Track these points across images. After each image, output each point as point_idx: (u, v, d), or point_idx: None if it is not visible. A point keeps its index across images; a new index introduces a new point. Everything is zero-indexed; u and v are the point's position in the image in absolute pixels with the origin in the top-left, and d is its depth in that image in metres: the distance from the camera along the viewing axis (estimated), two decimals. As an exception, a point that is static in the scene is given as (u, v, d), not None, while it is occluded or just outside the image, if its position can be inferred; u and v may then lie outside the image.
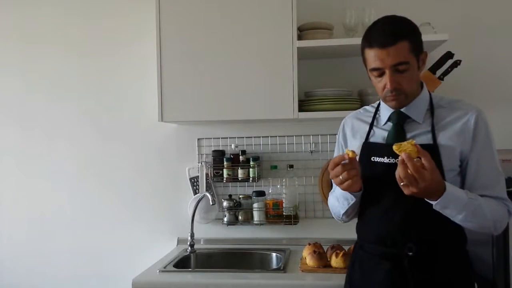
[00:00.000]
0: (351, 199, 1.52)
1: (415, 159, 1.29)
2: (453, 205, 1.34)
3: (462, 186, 1.47)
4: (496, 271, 1.77)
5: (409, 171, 1.28)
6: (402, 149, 1.30)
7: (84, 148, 2.63)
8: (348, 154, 1.40)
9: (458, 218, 1.37)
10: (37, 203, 2.67)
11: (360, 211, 1.60)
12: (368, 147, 1.53)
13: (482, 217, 1.37)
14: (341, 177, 1.40)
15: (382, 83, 1.43)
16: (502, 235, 1.74)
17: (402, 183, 1.31)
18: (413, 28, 1.43)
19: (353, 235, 1.70)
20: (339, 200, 1.57)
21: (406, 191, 1.32)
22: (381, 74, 1.42)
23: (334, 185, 1.68)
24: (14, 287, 2.69)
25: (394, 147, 1.32)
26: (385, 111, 1.55)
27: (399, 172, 1.30)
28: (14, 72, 2.68)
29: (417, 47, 1.42)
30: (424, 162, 1.29)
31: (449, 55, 2.13)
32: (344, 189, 1.46)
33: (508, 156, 1.98)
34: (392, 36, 1.36)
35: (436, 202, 1.33)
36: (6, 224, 2.70)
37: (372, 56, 1.40)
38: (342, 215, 1.61)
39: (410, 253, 1.42)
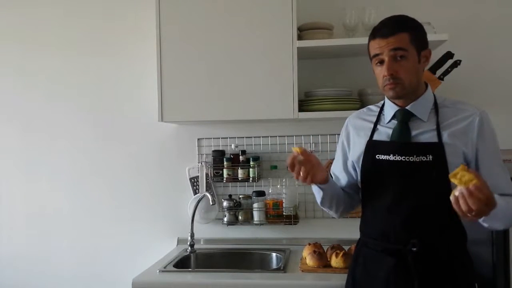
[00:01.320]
0: (317, 192, 1.58)
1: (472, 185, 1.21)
2: (499, 214, 1.31)
3: None
4: (496, 271, 1.77)
5: (481, 198, 1.21)
6: (466, 180, 1.22)
7: (84, 148, 2.63)
8: (297, 151, 1.45)
9: (496, 225, 1.38)
10: (37, 203, 2.67)
11: (364, 208, 1.62)
12: (373, 145, 1.55)
13: (510, 217, 1.39)
14: (301, 173, 1.44)
15: (382, 72, 1.47)
16: (502, 235, 1.74)
17: (470, 214, 1.24)
18: (416, 24, 1.49)
19: (353, 235, 1.71)
20: (316, 193, 1.62)
21: (470, 219, 1.26)
22: (381, 62, 1.46)
23: None
24: None
25: (455, 181, 1.24)
26: (390, 110, 1.56)
27: (471, 205, 1.21)
28: (14, 72, 2.68)
29: (418, 41, 1.46)
30: (481, 184, 1.22)
31: (449, 55, 2.13)
32: (309, 184, 1.50)
33: (508, 156, 1.98)
34: (393, 28, 1.45)
35: (486, 216, 1.28)
36: (5, 225, 2.70)
37: (374, 45, 1.47)
38: (326, 208, 1.65)
39: (414, 249, 1.44)
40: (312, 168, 1.45)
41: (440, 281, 1.44)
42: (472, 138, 1.45)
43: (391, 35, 1.43)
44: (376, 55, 1.47)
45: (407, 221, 1.38)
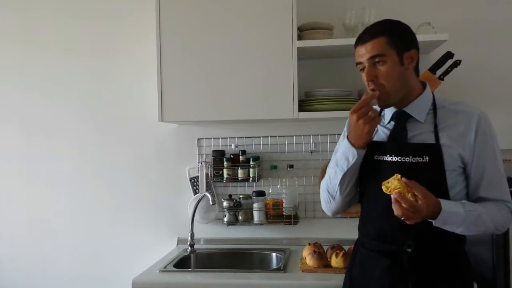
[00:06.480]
0: (352, 156, 1.49)
1: (408, 194, 1.32)
2: (451, 221, 1.38)
3: (465, 186, 1.49)
4: (496, 271, 1.77)
5: (404, 205, 1.32)
6: (391, 188, 1.34)
7: (84, 149, 2.63)
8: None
9: (458, 231, 1.41)
10: (37, 204, 2.67)
11: (363, 208, 1.62)
12: (372, 146, 1.54)
13: (482, 225, 1.41)
14: (370, 112, 1.45)
15: (365, 78, 1.49)
16: (502, 235, 1.74)
17: (402, 218, 1.35)
18: (396, 27, 1.49)
19: (353, 235, 1.70)
20: (338, 163, 1.53)
21: (408, 223, 1.36)
22: (363, 69, 1.49)
23: (328, 168, 1.65)
24: None
25: (383, 188, 1.36)
26: (389, 111, 1.57)
27: (396, 211, 1.34)
28: (14, 73, 2.68)
29: (399, 44, 1.45)
30: (415, 192, 1.33)
31: (449, 55, 2.13)
32: (365, 132, 1.46)
33: (508, 156, 1.98)
34: (370, 34, 1.47)
35: (435, 221, 1.37)
36: (6, 225, 2.70)
37: (356, 53, 1.50)
38: (338, 186, 1.55)
39: (409, 250, 1.44)
40: (373, 124, 1.46)
41: (435, 282, 1.44)
42: (470, 140, 1.45)
43: (368, 41, 1.45)
44: (358, 63, 1.50)
45: (403, 222, 1.38)
